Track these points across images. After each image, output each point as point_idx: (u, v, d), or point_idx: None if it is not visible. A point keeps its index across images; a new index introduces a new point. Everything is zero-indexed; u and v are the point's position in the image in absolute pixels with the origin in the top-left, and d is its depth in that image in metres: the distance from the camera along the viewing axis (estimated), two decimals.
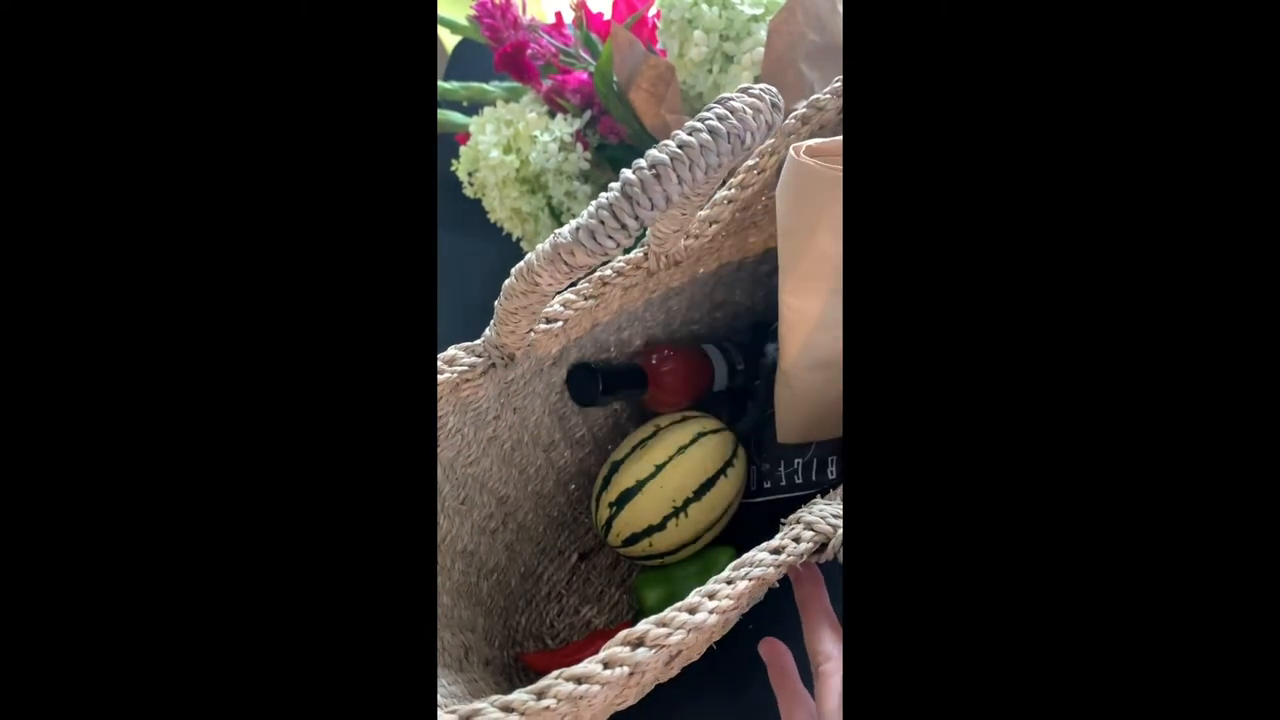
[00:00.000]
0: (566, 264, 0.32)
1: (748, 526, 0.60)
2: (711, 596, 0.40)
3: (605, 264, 0.47)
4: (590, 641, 0.60)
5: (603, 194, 0.30)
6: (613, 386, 0.56)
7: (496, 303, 0.39)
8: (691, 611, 0.39)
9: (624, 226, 0.30)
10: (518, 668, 0.62)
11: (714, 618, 0.39)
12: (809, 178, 0.44)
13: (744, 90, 0.30)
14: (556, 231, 0.32)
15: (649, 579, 0.59)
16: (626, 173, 0.30)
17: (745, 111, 0.29)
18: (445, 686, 0.50)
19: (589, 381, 0.55)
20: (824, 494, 0.51)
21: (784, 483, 0.59)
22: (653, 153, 0.29)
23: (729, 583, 0.41)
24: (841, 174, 0.43)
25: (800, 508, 0.46)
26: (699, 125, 0.29)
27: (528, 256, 0.34)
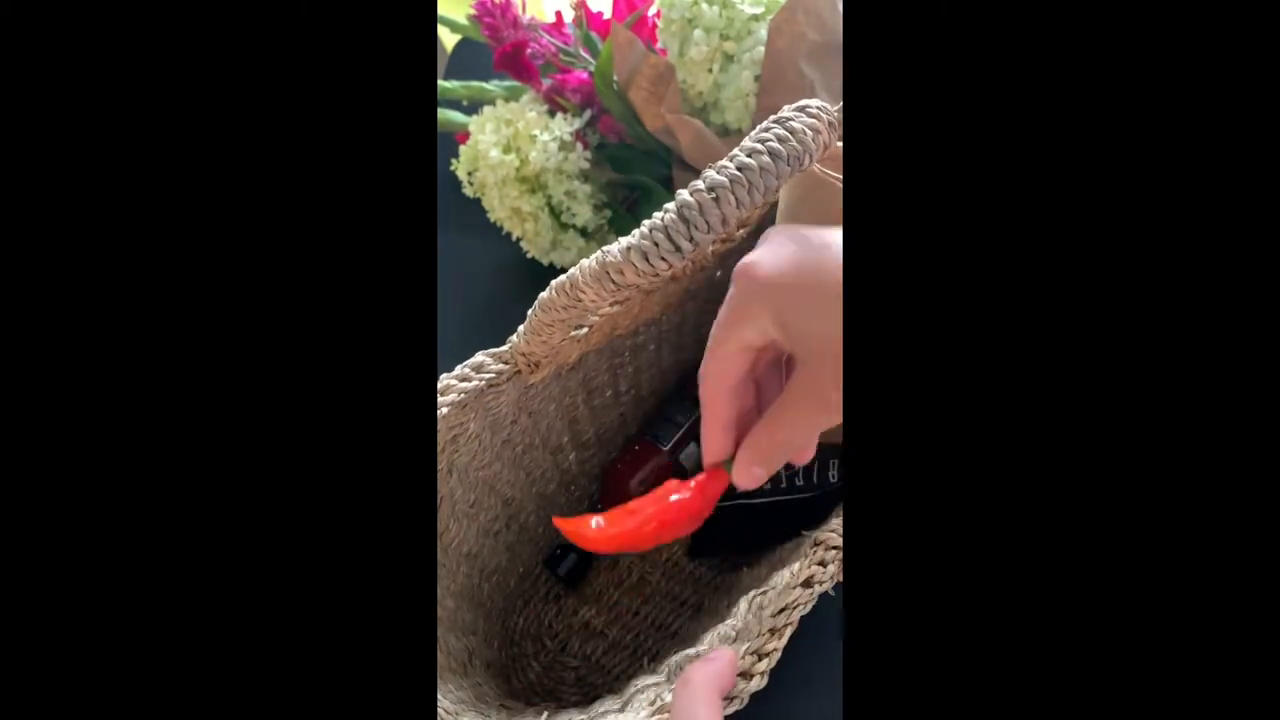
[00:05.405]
0: (614, 283, 0.31)
1: (747, 527, 0.60)
2: (761, 656, 0.38)
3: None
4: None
5: (657, 213, 0.30)
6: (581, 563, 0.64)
7: (530, 312, 0.38)
8: (747, 677, 0.38)
9: (678, 249, 0.29)
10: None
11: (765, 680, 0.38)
12: (809, 179, 0.44)
13: (801, 109, 0.30)
14: (605, 249, 0.31)
15: None
16: (684, 194, 0.29)
17: (805, 133, 0.29)
18: (453, 692, 0.50)
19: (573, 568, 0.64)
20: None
21: (783, 484, 0.60)
22: (711, 174, 0.29)
23: (773, 632, 0.39)
24: (841, 183, 0.43)
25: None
26: (759, 147, 0.28)
27: (571, 271, 0.34)
